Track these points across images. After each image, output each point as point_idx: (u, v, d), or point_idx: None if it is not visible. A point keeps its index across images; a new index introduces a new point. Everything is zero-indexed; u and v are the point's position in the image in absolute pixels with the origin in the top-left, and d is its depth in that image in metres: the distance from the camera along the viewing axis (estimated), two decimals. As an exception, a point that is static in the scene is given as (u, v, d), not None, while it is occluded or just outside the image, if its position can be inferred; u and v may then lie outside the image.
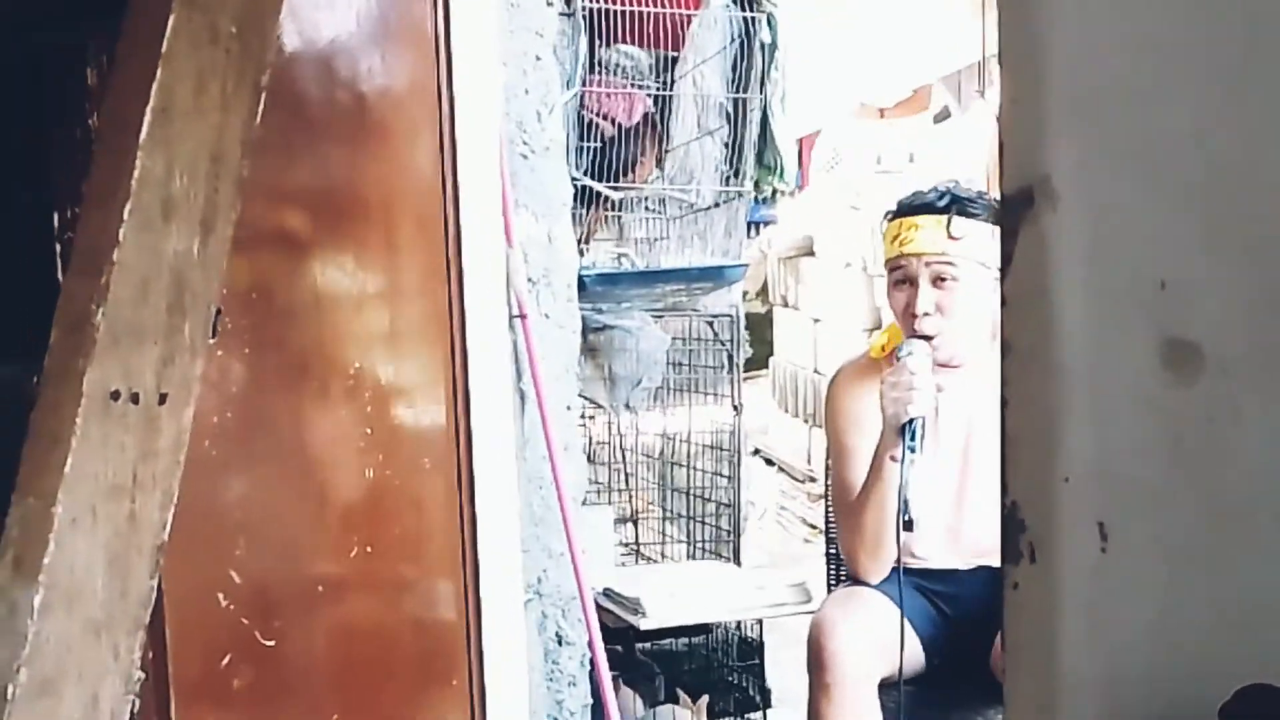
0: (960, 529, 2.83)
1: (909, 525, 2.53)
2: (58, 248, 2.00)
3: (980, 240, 2.70)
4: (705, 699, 3.65)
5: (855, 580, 2.97)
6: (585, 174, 3.52)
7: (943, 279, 2.72)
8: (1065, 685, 1.26)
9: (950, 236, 2.70)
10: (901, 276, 2.77)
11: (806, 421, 7.26)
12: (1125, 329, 1.18)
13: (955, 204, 2.72)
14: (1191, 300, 1.10)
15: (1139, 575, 1.16)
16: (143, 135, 1.50)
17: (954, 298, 2.72)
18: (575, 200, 3.45)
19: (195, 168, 1.54)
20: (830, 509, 3.10)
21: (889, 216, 2.86)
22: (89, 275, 1.50)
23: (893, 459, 2.65)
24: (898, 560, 2.88)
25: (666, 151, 3.70)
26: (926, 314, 2.72)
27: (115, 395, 1.50)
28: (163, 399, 1.55)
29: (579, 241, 3.59)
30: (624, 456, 4.17)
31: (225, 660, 2.17)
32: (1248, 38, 1.04)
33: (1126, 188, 1.18)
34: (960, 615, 2.79)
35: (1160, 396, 1.12)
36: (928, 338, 2.72)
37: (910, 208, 2.79)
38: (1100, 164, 1.21)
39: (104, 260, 1.49)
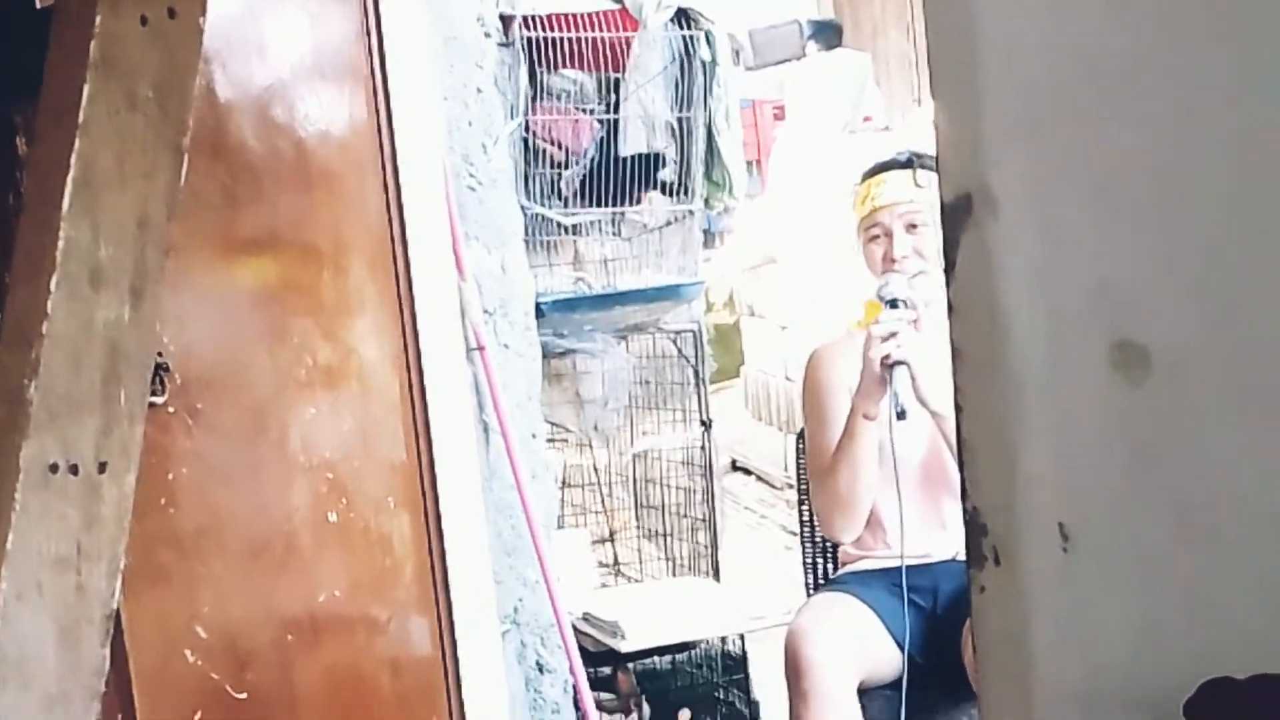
0: (932, 511, 2.85)
1: (902, 414, 2.61)
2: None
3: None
4: (686, 713, 3.63)
5: (830, 583, 2.99)
6: (537, 201, 3.51)
7: (914, 225, 2.85)
8: (1038, 686, 1.25)
9: (916, 184, 2.85)
10: (876, 232, 2.89)
11: (781, 430, 7.25)
12: (1073, 333, 1.17)
13: (917, 159, 2.89)
14: (1136, 302, 1.09)
15: (1103, 575, 1.16)
16: (65, 205, 1.48)
17: (926, 242, 2.84)
18: (530, 229, 3.44)
19: (121, 235, 1.53)
20: (803, 488, 3.12)
21: (856, 185, 3.00)
22: (20, 348, 1.48)
23: (868, 417, 2.69)
24: (868, 554, 2.90)
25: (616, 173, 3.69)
26: (904, 256, 2.84)
27: (54, 468, 1.49)
28: (103, 468, 1.53)
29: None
30: (598, 478, 4.15)
31: (196, 717, 2.15)
32: (1190, 36, 1.03)
33: (1066, 191, 1.17)
34: (937, 609, 2.79)
35: (1112, 398, 1.12)
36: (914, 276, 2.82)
37: (876, 168, 2.95)
38: (1039, 168, 1.21)
39: (34, 333, 1.47)
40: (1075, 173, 1.16)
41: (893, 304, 2.74)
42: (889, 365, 2.65)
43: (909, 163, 2.90)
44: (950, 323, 1.34)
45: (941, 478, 2.85)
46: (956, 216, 1.30)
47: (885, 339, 2.67)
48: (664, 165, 3.75)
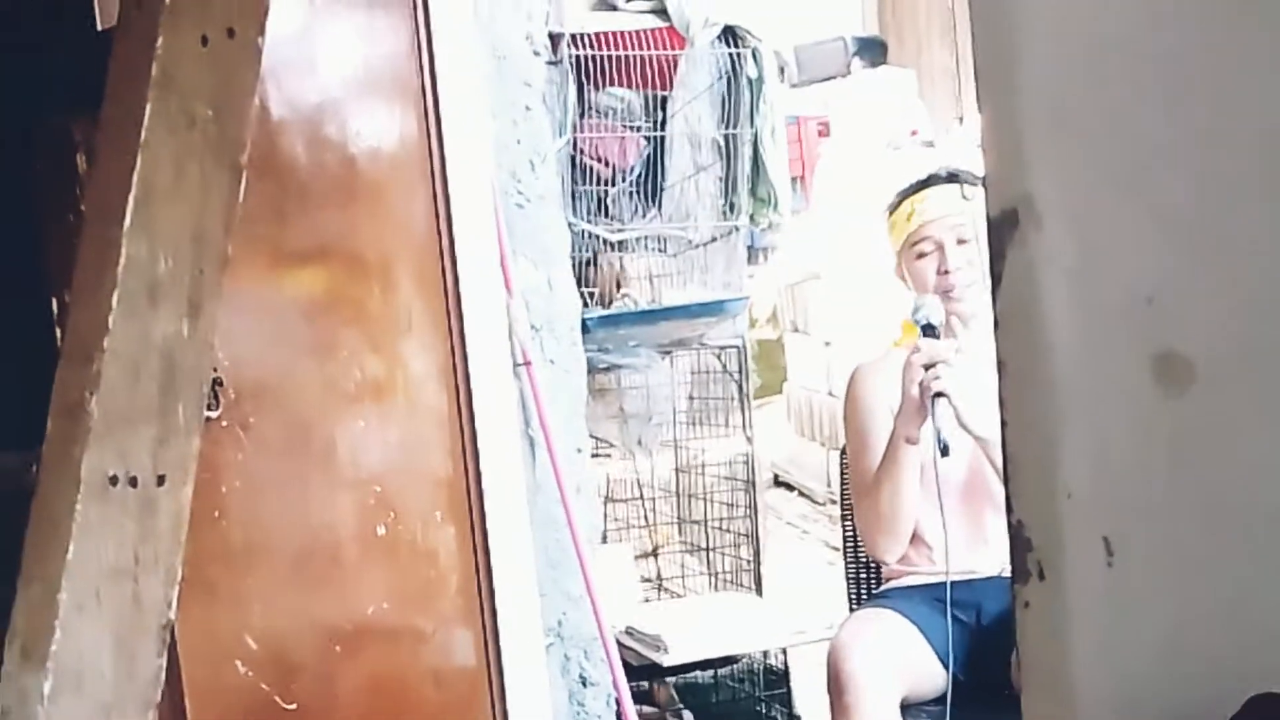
0: (977, 529, 2.84)
1: (945, 451, 2.57)
2: (58, 332, 2.02)
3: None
4: None
5: (873, 598, 2.98)
6: (583, 219, 3.53)
7: (964, 239, 2.83)
8: (1080, 701, 1.26)
9: (964, 198, 2.83)
10: (926, 247, 2.86)
11: (824, 445, 7.24)
12: (1116, 345, 1.18)
13: (958, 175, 2.88)
14: (1179, 314, 1.10)
15: (1147, 588, 1.16)
16: (126, 222, 1.51)
17: (975, 256, 2.82)
18: (578, 246, 3.46)
19: (179, 251, 1.55)
20: (846, 504, 3.12)
21: (893, 206, 2.96)
22: (80, 363, 1.51)
23: (910, 441, 2.69)
24: (912, 570, 2.90)
25: (663, 190, 3.70)
26: (959, 269, 2.81)
27: (113, 480, 1.51)
28: (160, 480, 1.56)
29: (596, 298, 3.60)
30: (641, 493, 4.16)
31: (247, 727, 2.18)
32: (1228, 50, 1.04)
33: (1109, 204, 1.18)
34: (981, 626, 2.78)
35: (1155, 410, 1.12)
36: (960, 293, 2.81)
37: (917, 185, 2.93)
38: (1082, 182, 1.21)
39: (94, 348, 1.50)
40: (1119, 185, 1.17)
41: (927, 329, 2.74)
42: (929, 396, 2.64)
43: (953, 177, 2.88)
44: (996, 336, 1.35)
45: (984, 494, 2.84)
46: (1002, 230, 1.31)
47: (925, 367, 2.66)
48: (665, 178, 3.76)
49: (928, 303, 2.76)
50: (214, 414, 1.96)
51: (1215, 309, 1.07)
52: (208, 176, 1.57)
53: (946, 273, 2.82)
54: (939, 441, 2.58)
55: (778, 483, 7.49)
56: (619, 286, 3.63)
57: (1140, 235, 1.14)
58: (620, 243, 3.64)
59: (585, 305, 3.42)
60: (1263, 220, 1.02)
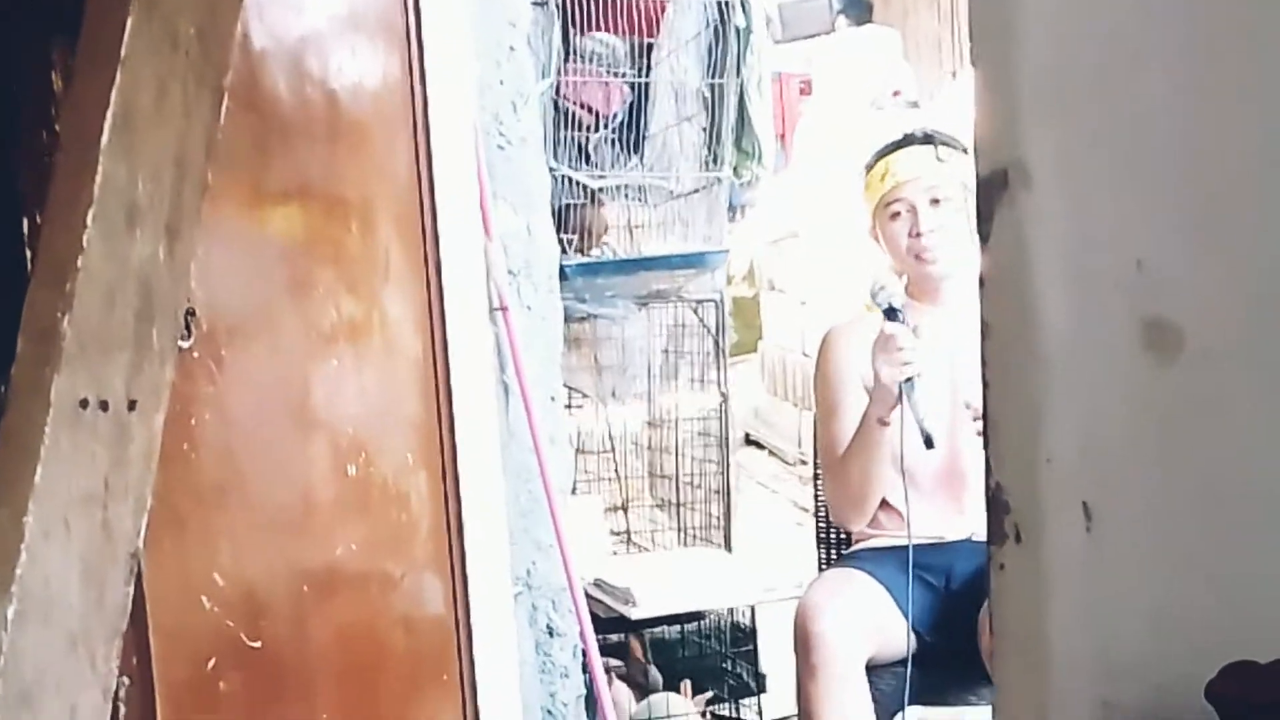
0: (949, 492, 2.84)
1: (929, 442, 2.59)
2: (28, 254, 1.98)
3: (961, 164, 2.83)
4: (708, 694, 3.64)
5: (842, 559, 2.99)
6: (564, 164, 3.50)
7: (937, 200, 2.83)
8: (1055, 666, 1.25)
9: (938, 159, 2.84)
10: (899, 208, 2.87)
11: (796, 405, 7.24)
12: (1104, 310, 1.16)
13: (935, 135, 2.89)
14: (1170, 281, 1.09)
15: (1126, 556, 1.15)
16: (104, 142, 1.48)
17: (949, 218, 2.83)
18: (558, 193, 3.43)
19: (158, 173, 1.53)
20: (817, 466, 3.12)
21: (869, 165, 2.97)
22: (54, 285, 1.48)
23: (882, 423, 2.68)
24: (882, 533, 2.90)
25: (645, 139, 3.67)
26: (931, 230, 2.83)
27: (84, 404, 1.49)
28: (132, 406, 1.53)
29: (576, 246, 3.58)
30: (613, 445, 4.15)
31: (211, 663, 2.15)
32: (1223, 16, 1.02)
33: (1102, 168, 1.17)
34: (950, 590, 2.79)
35: (1141, 377, 1.11)
36: (932, 256, 2.83)
37: (892, 145, 2.93)
38: (1075, 144, 1.20)
39: (69, 269, 1.47)
40: (1111, 147, 1.15)
41: (890, 312, 2.73)
42: (899, 382, 2.64)
43: (928, 138, 2.89)
44: (981, 297, 1.33)
45: (960, 473, 2.84)
46: (991, 190, 1.29)
47: (896, 354, 2.65)
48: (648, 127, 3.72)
49: (889, 284, 2.75)
50: (186, 345, 1.93)
51: (1207, 275, 1.05)
52: (190, 98, 1.54)
53: (919, 235, 2.82)
54: (922, 433, 2.58)
55: (749, 441, 7.50)
56: (597, 236, 3.60)
57: (1132, 198, 1.13)
58: (601, 191, 3.61)
59: (564, 252, 3.40)
60: (1257, 186, 1.01)
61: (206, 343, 2.09)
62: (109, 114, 1.48)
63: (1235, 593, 1.04)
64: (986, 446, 1.32)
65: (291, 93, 2.31)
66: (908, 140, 2.92)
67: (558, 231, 3.28)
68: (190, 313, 1.95)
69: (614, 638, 3.68)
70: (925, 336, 2.71)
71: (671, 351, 4.04)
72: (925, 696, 2.64)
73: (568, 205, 3.53)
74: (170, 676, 2.08)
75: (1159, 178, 1.09)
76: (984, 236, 1.31)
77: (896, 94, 6.51)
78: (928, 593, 2.70)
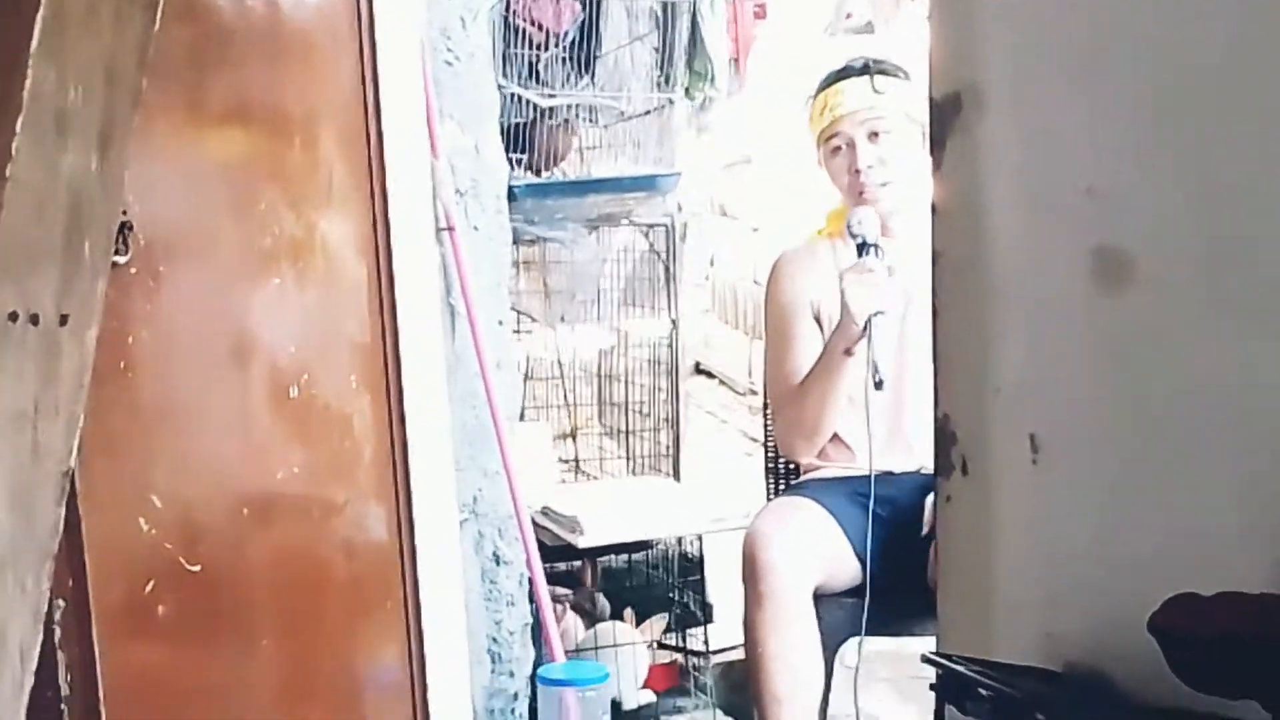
0: (897, 429, 2.84)
1: (879, 385, 2.55)
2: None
3: (903, 93, 2.84)
4: (659, 620, 3.64)
5: (791, 489, 2.99)
6: (514, 83, 3.44)
7: (876, 134, 2.83)
8: (999, 597, 1.24)
9: (875, 91, 2.82)
10: (838, 142, 2.86)
11: (747, 334, 7.23)
12: (1055, 237, 1.15)
13: (874, 65, 2.86)
14: (1122, 207, 1.07)
15: (1072, 487, 1.14)
16: (33, 45, 1.43)
17: (890, 150, 2.83)
18: (507, 111, 3.38)
19: (90, 81, 1.47)
20: (766, 400, 3.11)
21: (811, 97, 2.95)
22: (-19, 194, 1.43)
23: (847, 353, 2.67)
24: (830, 464, 2.89)
25: (597, 58, 3.62)
26: (870, 166, 2.83)
27: (13, 317, 1.44)
28: (64, 320, 1.49)
29: (525, 165, 3.53)
30: (562, 372, 4.13)
31: (149, 587, 2.12)
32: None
33: (1056, 92, 1.14)
34: (898, 520, 2.78)
35: (1092, 305, 1.10)
36: (879, 187, 2.81)
37: (832, 76, 2.90)
38: (1030, 68, 1.17)
39: (-4, 177, 1.42)
40: (1067, 72, 1.13)
41: (862, 246, 2.70)
42: (866, 316, 2.61)
43: (865, 69, 2.86)
44: (932, 224, 1.31)
45: (904, 412, 2.83)
46: (945, 115, 1.27)
47: (871, 287, 2.62)
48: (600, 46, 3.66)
49: (865, 217, 2.73)
50: (123, 260, 1.88)
51: (1159, 203, 1.04)
52: (122, 5, 1.49)
53: (857, 172, 2.80)
54: (875, 373, 2.56)
55: (698, 370, 7.47)
56: (560, 156, 3.55)
57: (1086, 124, 1.10)
58: (551, 110, 3.55)
59: (512, 171, 3.35)
60: (1212, 111, 0.99)
61: (144, 259, 2.04)
62: (39, 16, 1.43)
63: (1178, 525, 1.03)
64: (936, 376, 1.30)
65: (232, 2, 2.25)
66: (846, 71, 2.89)
67: (507, 151, 3.23)
68: (128, 227, 1.90)
69: (561, 566, 3.68)
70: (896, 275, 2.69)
71: (621, 276, 4.00)
72: (871, 627, 2.64)
73: (518, 124, 3.47)
74: (106, 599, 2.04)
75: (1113, 102, 1.08)
76: (936, 163, 1.29)
77: (849, 16, 6.47)
78: (876, 523, 2.70)
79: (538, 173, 3.52)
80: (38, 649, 1.55)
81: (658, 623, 3.61)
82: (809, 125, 2.95)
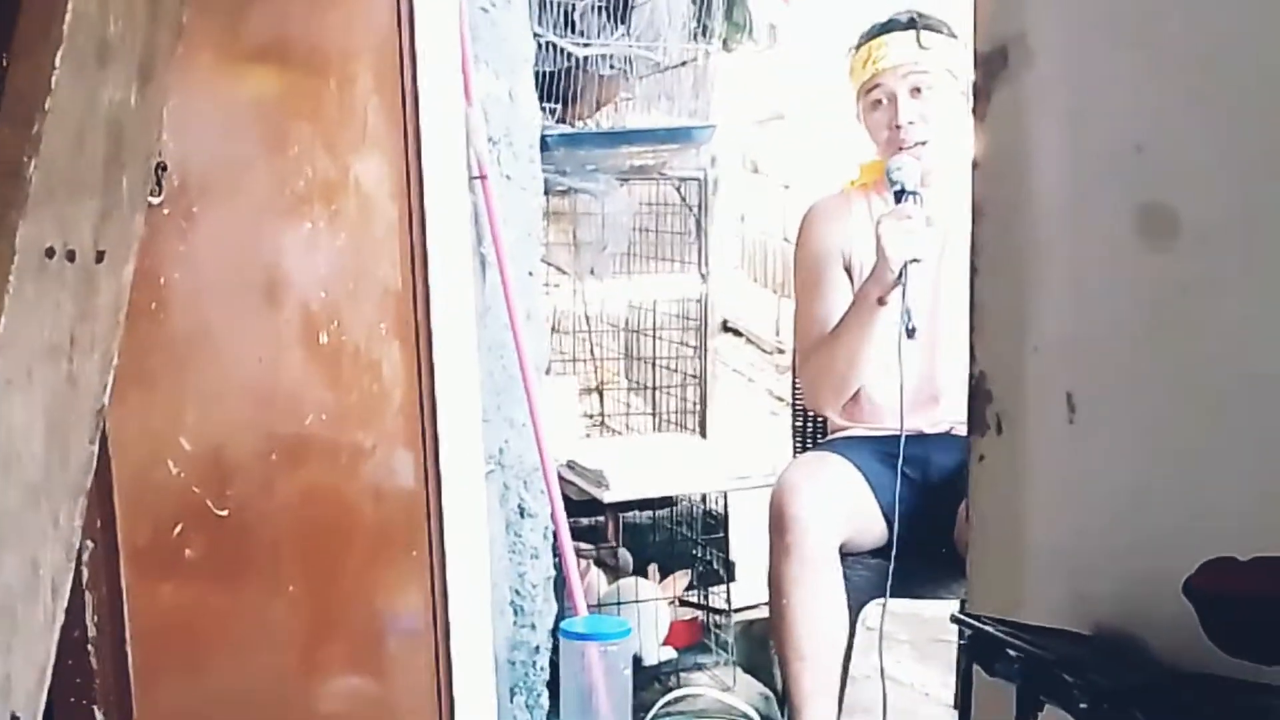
0: (928, 386, 2.83)
1: (912, 333, 2.56)
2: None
3: (947, 50, 2.82)
4: (681, 576, 3.64)
5: (819, 445, 2.98)
6: (549, 31, 3.41)
7: (919, 89, 2.81)
8: (1032, 558, 1.23)
9: (921, 46, 2.80)
10: (879, 96, 2.85)
11: (776, 292, 7.21)
12: (1100, 193, 1.13)
13: (920, 19, 2.84)
14: (1169, 163, 1.05)
15: (1107, 447, 1.13)
16: (75, -25, 1.42)
17: (931, 107, 2.82)
18: (541, 59, 3.35)
19: (132, 11, 1.46)
20: (795, 356, 3.10)
21: (854, 48, 2.93)
22: (20, 124, 1.42)
23: (880, 302, 2.65)
24: (857, 424, 2.88)
25: (633, 7, 3.58)
26: (911, 123, 2.81)
27: (50, 252, 1.44)
28: (100, 256, 1.48)
29: (559, 115, 3.51)
30: (589, 325, 4.11)
31: (177, 530, 2.12)
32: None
33: (1103, 47, 1.13)
34: (926, 482, 2.78)
35: (1135, 264, 1.08)
36: (917, 145, 2.80)
37: (877, 29, 2.88)
38: (1077, 21, 1.16)
39: (36, 108, 1.41)
40: (1117, 26, 1.11)
41: (901, 193, 2.69)
42: (903, 262, 2.60)
43: (911, 23, 2.83)
44: (974, 178, 1.30)
45: (937, 370, 2.82)
46: (991, 67, 1.25)
47: (907, 233, 2.60)
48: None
49: (905, 164, 2.72)
50: (156, 200, 1.87)
51: (1207, 160, 1.02)
52: (164, -62, 1.48)
53: (898, 127, 2.78)
54: (907, 321, 2.54)
55: (726, 328, 7.47)
56: (599, 106, 3.52)
57: (1135, 80, 1.09)
58: (586, 60, 3.52)
59: (545, 121, 3.33)
60: (1262, 71, 0.97)
61: (178, 199, 2.03)
62: (80, -53, 1.42)
63: (1215, 489, 1.02)
64: (972, 333, 1.29)
65: (270, -61, 2.23)
66: (891, 25, 2.87)
67: (541, 100, 3.21)
68: (162, 166, 1.90)
69: (585, 521, 3.68)
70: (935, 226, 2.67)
71: (652, 230, 3.98)
72: (896, 588, 2.64)
73: (551, 72, 3.44)
74: (134, 541, 2.05)
75: (1163, 58, 1.06)
76: (980, 116, 1.27)
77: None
78: (905, 484, 2.70)
79: (571, 123, 3.50)
80: (69, 585, 1.55)
81: (680, 578, 3.60)
82: (849, 77, 2.93)
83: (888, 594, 2.56)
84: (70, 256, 1.46)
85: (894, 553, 2.56)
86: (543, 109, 3.28)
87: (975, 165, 1.28)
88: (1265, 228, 0.97)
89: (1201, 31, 1.02)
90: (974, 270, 1.28)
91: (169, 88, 1.53)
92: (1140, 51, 1.08)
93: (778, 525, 2.62)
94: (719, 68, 3.85)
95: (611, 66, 3.54)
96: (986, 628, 1.11)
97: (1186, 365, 1.04)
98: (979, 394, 1.29)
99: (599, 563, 3.62)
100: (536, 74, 3.10)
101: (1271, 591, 0.95)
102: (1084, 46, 1.16)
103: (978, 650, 1.11)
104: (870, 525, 2.73)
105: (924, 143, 2.79)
